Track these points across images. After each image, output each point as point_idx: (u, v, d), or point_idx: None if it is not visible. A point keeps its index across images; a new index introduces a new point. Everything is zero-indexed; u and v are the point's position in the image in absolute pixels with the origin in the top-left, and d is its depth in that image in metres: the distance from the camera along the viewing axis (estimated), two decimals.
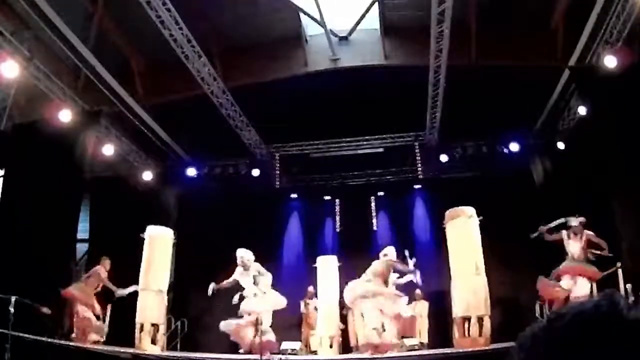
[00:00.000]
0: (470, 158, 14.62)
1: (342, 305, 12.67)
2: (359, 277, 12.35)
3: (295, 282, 14.16)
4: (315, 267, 12.37)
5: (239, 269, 9.30)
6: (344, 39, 14.29)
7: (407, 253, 9.79)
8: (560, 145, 13.08)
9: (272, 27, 13.79)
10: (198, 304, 12.81)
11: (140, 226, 10.70)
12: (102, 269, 10.20)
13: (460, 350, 8.66)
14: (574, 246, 8.95)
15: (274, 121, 14.34)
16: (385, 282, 9.15)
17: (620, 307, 0.77)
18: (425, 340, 11.68)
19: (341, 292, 12.30)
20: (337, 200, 15.96)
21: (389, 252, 9.25)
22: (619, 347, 0.72)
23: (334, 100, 13.78)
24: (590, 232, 8.93)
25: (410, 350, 9.74)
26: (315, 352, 11.87)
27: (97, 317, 10.03)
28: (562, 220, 9.21)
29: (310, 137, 15.60)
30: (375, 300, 8.79)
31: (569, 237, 9.02)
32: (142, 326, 9.79)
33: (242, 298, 9.13)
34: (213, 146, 14.72)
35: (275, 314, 9.41)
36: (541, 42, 12.87)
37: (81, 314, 9.80)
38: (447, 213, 10.04)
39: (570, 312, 0.79)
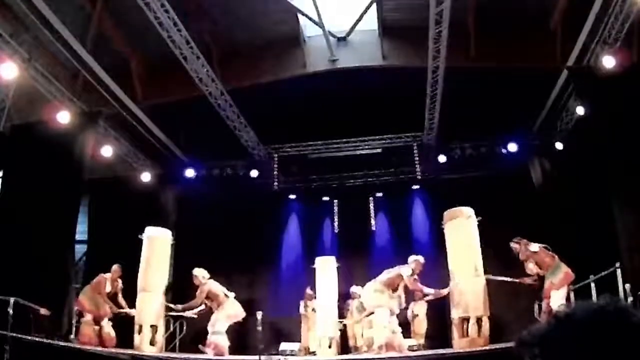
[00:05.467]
0: (469, 158, 14.63)
1: (341, 307, 12.72)
2: (357, 278, 12.45)
3: (293, 283, 14.21)
4: (314, 268, 12.37)
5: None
6: (342, 39, 14.29)
7: None
8: (559, 146, 13.10)
9: (271, 28, 13.80)
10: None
11: (139, 227, 10.69)
12: (108, 280, 10.07)
13: (459, 351, 8.67)
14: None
15: (272, 122, 14.35)
16: (395, 290, 9.28)
17: (625, 311, 0.78)
18: (421, 341, 11.69)
19: (340, 293, 12.36)
20: (335, 201, 15.98)
21: (406, 269, 9.26)
22: (625, 347, 0.73)
23: (332, 101, 13.78)
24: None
25: (409, 350, 9.74)
26: (314, 353, 11.87)
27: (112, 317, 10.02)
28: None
29: (309, 138, 15.60)
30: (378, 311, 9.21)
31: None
32: (140, 327, 9.78)
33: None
34: (211, 147, 14.73)
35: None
36: (539, 42, 12.89)
37: (105, 329, 9.79)
38: (446, 213, 10.03)
39: (578, 314, 0.80)
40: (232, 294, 9.72)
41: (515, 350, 0.85)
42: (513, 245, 9.19)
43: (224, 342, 9.34)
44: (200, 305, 9.68)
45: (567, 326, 0.80)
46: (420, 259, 9.41)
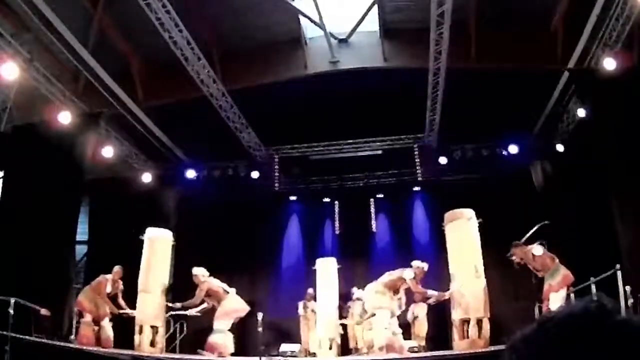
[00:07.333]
0: (470, 160, 14.62)
1: (342, 308, 12.72)
2: (358, 279, 12.45)
3: (294, 284, 14.21)
4: (315, 270, 12.37)
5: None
6: (343, 41, 14.29)
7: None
8: (560, 148, 13.10)
9: (272, 29, 13.80)
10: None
11: (140, 228, 10.70)
12: (108, 281, 10.07)
13: (459, 353, 8.67)
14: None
15: (273, 123, 14.36)
16: (397, 292, 9.27)
17: (607, 310, 0.79)
18: (422, 342, 11.69)
19: (340, 294, 12.36)
20: (336, 203, 15.97)
21: (408, 272, 9.21)
22: (606, 348, 0.74)
23: (333, 102, 13.78)
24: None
25: (410, 352, 9.74)
26: (314, 355, 11.87)
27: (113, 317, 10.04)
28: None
29: (310, 139, 15.61)
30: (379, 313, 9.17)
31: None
32: (141, 328, 9.78)
33: None
34: (212, 148, 14.73)
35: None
36: (540, 44, 12.89)
37: (104, 329, 9.81)
38: (447, 215, 10.04)
39: (559, 315, 0.81)
40: (232, 290, 9.70)
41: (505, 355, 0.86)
42: (513, 250, 9.19)
43: (224, 340, 9.26)
44: (201, 303, 9.66)
45: (545, 328, 0.80)
46: (424, 266, 9.36)
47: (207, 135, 14.17)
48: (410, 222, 15.49)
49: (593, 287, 8.92)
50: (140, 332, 9.73)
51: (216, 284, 9.61)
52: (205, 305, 9.72)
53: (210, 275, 9.71)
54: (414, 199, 15.64)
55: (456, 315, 9.26)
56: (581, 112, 11.67)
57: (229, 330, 9.52)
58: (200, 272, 9.57)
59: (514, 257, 9.11)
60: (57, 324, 9.87)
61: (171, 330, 11.96)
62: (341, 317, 12.58)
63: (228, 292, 9.60)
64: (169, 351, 11.28)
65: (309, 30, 14.20)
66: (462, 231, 9.65)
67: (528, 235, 9.31)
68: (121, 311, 10.08)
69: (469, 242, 9.52)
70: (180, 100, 13.91)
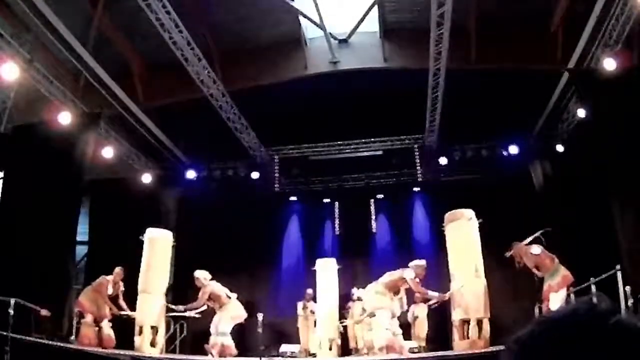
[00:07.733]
0: (470, 161, 14.63)
1: (342, 308, 12.71)
2: (358, 280, 12.44)
3: (294, 284, 14.20)
4: (315, 270, 12.37)
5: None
6: (343, 41, 14.31)
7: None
8: (560, 148, 13.10)
9: (272, 30, 13.81)
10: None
11: (140, 228, 10.69)
12: (109, 283, 10.08)
13: (460, 353, 8.66)
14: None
15: (273, 124, 14.36)
16: (397, 292, 9.25)
17: (605, 310, 0.79)
18: (422, 343, 11.69)
19: (340, 294, 12.35)
20: (336, 203, 15.97)
21: (409, 272, 9.19)
22: (604, 348, 0.74)
23: (333, 103, 13.79)
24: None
25: (410, 352, 9.74)
26: (314, 355, 11.86)
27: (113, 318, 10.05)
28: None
29: (310, 140, 15.61)
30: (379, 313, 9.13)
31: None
32: (141, 329, 9.78)
33: None
34: (212, 149, 14.74)
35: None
36: (540, 45, 12.89)
37: (104, 330, 9.82)
38: (447, 215, 10.04)
39: (557, 316, 0.81)
40: (234, 295, 9.72)
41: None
42: (512, 250, 9.22)
43: (231, 342, 9.34)
44: (202, 306, 9.68)
45: (543, 328, 0.80)
46: (423, 262, 9.34)
47: (207, 135, 14.17)
48: (411, 223, 15.47)
49: (593, 288, 8.92)
50: (140, 332, 9.73)
51: (218, 288, 9.62)
52: (204, 307, 9.74)
53: (211, 276, 9.71)
54: (414, 199, 15.63)
55: (456, 315, 9.26)
56: (581, 113, 11.67)
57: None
58: (202, 275, 9.56)
59: (513, 255, 9.13)
60: (57, 325, 9.86)
61: (171, 331, 11.96)
62: (341, 317, 12.57)
63: (230, 298, 9.62)
64: (169, 352, 11.28)
65: (309, 31, 14.21)
66: (462, 231, 9.65)
67: (529, 239, 9.31)
68: (122, 312, 10.09)
69: (469, 242, 9.52)
70: (180, 100, 13.92)
